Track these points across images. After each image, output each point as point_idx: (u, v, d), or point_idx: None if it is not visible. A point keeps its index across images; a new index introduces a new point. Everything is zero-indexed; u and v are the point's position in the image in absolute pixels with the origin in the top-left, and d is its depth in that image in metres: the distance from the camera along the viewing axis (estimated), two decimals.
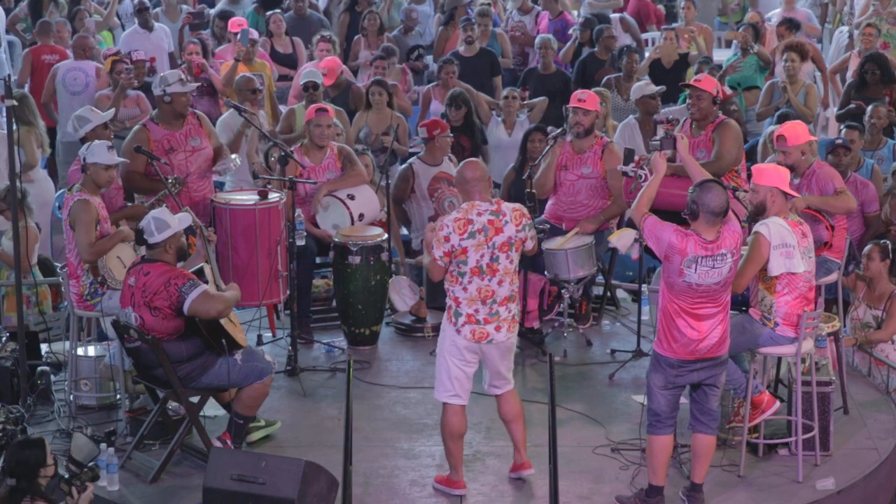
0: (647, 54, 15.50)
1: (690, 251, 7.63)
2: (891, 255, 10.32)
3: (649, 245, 7.85)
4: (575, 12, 17.46)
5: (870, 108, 12.14)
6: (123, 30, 16.38)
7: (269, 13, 15.83)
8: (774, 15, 16.39)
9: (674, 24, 16.26)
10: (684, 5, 15.91)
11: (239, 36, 14.01)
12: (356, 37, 15.78)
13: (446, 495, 8.20)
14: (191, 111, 10.38)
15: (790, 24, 15.14)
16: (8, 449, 7.35)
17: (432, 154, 11.15)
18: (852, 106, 13.19)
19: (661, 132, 8.51)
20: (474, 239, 7.82)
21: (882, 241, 10.45)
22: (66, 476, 7.21)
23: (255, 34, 14.25)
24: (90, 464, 7.42)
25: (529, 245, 8.08)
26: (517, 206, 8.06)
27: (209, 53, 14.38)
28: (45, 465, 7.09)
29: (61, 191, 11.74)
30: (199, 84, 12.99)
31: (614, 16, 16.48)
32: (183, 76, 10.16)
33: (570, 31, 15.92)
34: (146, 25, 15.39)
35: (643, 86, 12.38)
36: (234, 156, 10.30)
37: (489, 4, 15.98)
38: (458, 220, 7.84)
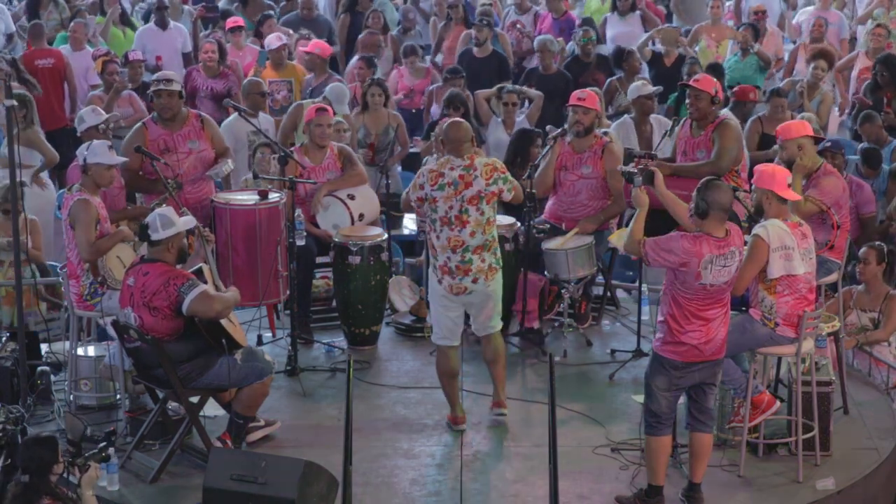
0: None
1: (706, 252, 7.62)
2: (887, 258, 10.30)
3: (660, 263, 7.71)
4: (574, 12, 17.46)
5: None
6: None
7: (263, 14, 15.83)
8: (806, 12, 16.27)
9: (674, 24, 16.23)
10: (712, 4, 15.76)
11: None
12: (359, 36, 15.75)
13: (445, 495, 8.23)
14: (195, 113, 10.40)
15: (826, 24, 15.16)
16: (21, 445, 7.41)
17: None
18: (862, 109, 13.17)
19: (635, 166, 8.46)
20: (443, 191, 8.59)
21: (878, 243, 10.42)
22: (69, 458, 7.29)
23: (283, 38, 14.16)
24: (100, 444, 7.60)
25: (507, 196, 8.76)
26: (491, 160, 8.75)
27: (225, 55, 14.23)
28: (57, 463, 7.16)
29: (61, 191, 11.74)
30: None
31: (636, 12, 16.32)
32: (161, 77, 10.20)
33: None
34: (162, 24, 15.35)
35: (640, 86, 12.36)
36: (228, 160, 10.28)
37: (489, 4, 15.96)
38: (432, 172, 8.65)
